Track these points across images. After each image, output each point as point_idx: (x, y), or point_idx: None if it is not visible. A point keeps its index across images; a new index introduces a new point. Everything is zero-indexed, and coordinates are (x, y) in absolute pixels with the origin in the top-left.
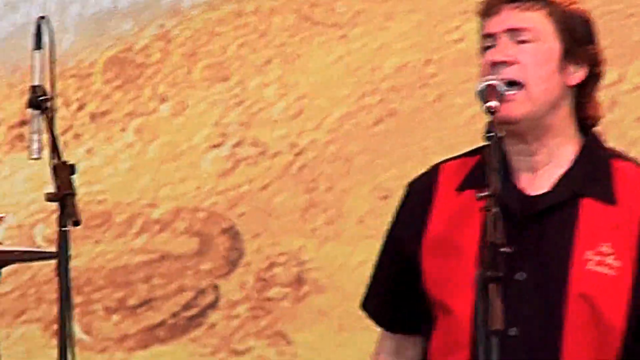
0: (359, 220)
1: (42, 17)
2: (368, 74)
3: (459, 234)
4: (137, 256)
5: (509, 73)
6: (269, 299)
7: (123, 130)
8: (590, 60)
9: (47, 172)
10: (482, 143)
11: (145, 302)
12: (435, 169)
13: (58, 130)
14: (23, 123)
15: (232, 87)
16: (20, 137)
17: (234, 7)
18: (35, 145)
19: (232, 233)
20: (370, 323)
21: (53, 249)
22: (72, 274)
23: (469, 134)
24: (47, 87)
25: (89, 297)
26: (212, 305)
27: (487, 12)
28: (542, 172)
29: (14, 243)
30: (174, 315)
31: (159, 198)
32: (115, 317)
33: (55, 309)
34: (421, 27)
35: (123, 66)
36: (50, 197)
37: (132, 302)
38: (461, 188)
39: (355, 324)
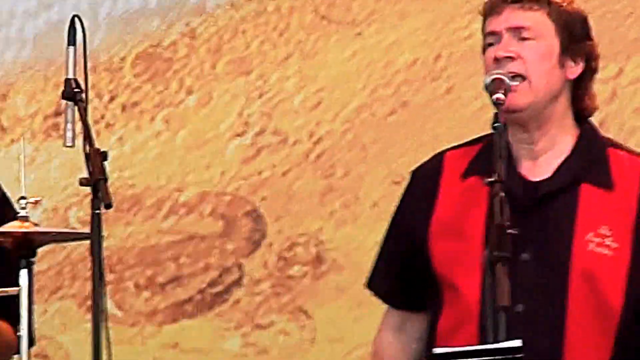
0: (373, 203)
1: (76, 16)
2: (382, 69)
3: (464, 217)
4: (166, 237)
5: (512, 67)
6: (290, 277)
7: (152, 120)
8: (587, 55)
9: (81, 159)
10: (486, 132)
11: (174, 280)
12: (439, 157)
13: (91, 120)
14: (58, 114)
15: (254, 81)
16: (56, 126)
17: (256, 6)
18: (69, 134)
19: (254, 215)
20: None
21: (87, 230)
22: (105, 253)
23: (476, 124)
24: (81, 80)
25: (121, 275)
26: (237, 283)
27: (490, 12)
28: (543, 160)
29: (50, 225)
30: (201, 291)
31: (186, 183)
32: (145, 294)
33: (89, 286)
34: (432, 25)
35: (152, 61)
36: (83, 182)
37: (161, 279)
38: (465, 175)
39: (371, 300)
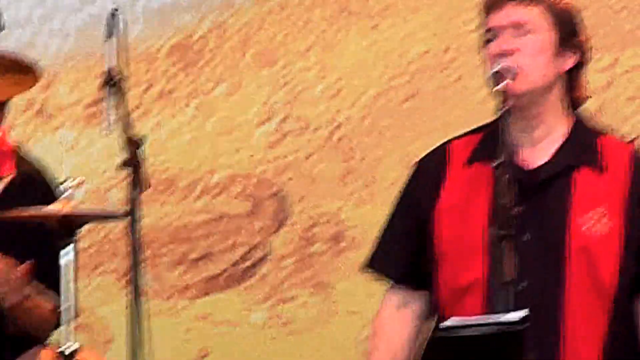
0: (389, 185)
1: (115, 9)
2: (396, 59)
3: (469, 200)
4: (198, 216)
5: (513, 60)
6: (312, 254)
7: (185, 107)
8: (580, 48)
9: (119, 144)
10: (490, 119)
11: (205, 256)
12: (444, 146)
13: (128, 107)
14: (98, 102)
15: (279, 71)
16: (96, 113)
17: (280, 1)
18: (109, 121)
19: (280, 196)
20: None
21: (125, 210)
22: (142, 231)
23: (482, 111)
24: (119, 69)
25: (156, 251)
26: (263, 259)
27: (491, 8)
28: (540, 147)
29: (91, 205)
30: (230, 267)
31: (216, 166)
32: (179, 269)
33: (127, 262)
34: (442, 19)
35: (185, 52)
36: (122, 165)
37: (193, 255)
38: (470, 161)
39: None
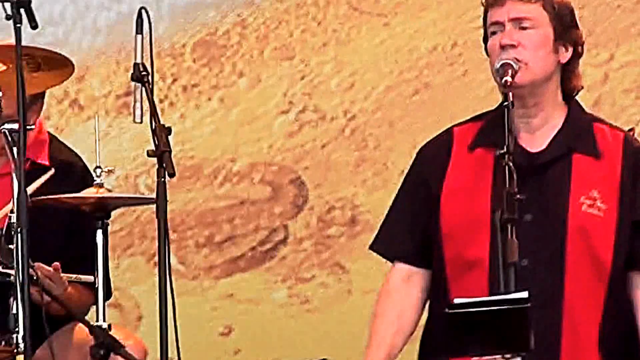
0: (400, 172)
1: (143, 8)
2: (407, 54)
3: (472, 183)
4: (221, 201)
5: (515, 53)
6: (328, 236)
7: (209, 99)
8: (575, 42)
9: (148, 134)
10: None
11: (229, 239)
12: (448, 132)
13: (156, 99)
14: (128, 94)
15: (297, 65)
16: (126, 105)
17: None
18: (138, 112)
19: (298, 183)
20: None
21: (153, 195)
22: (169, 215)
23: (487, 102)
24: (147, 64)
25: (183, 234)
26: (283, 242)
27: (493, 4)
28: (539, 133)
29: (121, 191)
30: (252, 249)
31: (238, 154)
32: (204, 251)
33: (155, 244)
34: (449, 16)
35: (208, 47)
36: (150, 154)
37: (218, 238)
38: (472, 147)
39: None
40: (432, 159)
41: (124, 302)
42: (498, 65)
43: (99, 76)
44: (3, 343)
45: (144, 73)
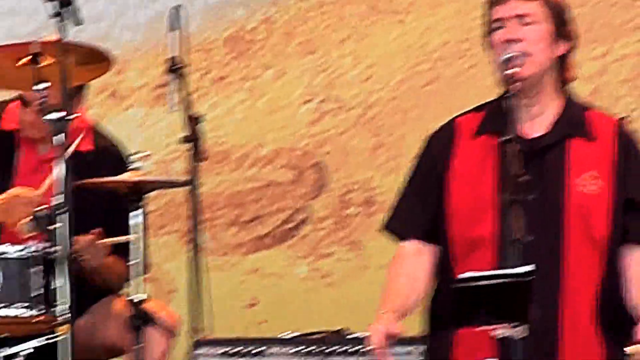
0: (413, 157)
1: (177, 6)
2: (419, 49)
3: (478, 167)
4: (249, 184)
5: (519, 47)
6: (347, 216)
7: (238, 90)
8: (570, 37)
9: (181, 122)
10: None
11: (255, 218)
12: (452, 122)
13: (189, 90)
14: (163, 85)
15: (318, 59)
16: (161, 95)
17: None
18: (172, 102)
19: (319, 167)
20: None
21: (186, 179)
22: (200, 197)
23: (493, 93)
24: (181, 58)
25: (213, 214)
26: (305, 221)
27: (497, 2)
28: (538, 120)
29: (156, 174)
30: (277, 227)
31: (264, 140)
32: (232, 229)
33: (188, 224)
34: (459, 13)
35: (237, 42)
36: (184, 140)
37: (245, 218)
38: (476, 134)
39: None
40: (439, 147)
41: (160, 276)
42: (504, 58)
43: (136, 69)
44: (46, 313)
45: (178, 66)
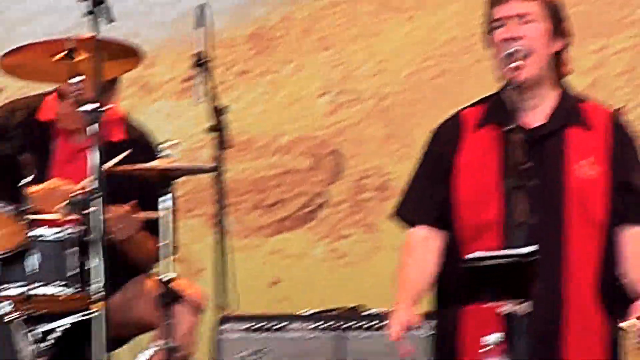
0: (423, 145)
1: (203, 4)
2: (428, 44)
3: (483, 156)
4: (271, 170)
5: (520, 45)
6: (362, 200)
7: (260, 83)
8: (565, 34)
9: (207, 113)
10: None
11: (277, 202)
12: (456, 115)
13: (214, 83)
14: (190, 78)
15: (334, 53)
16: (188, 88)
17: None
18: (199, 94)
19: (336, 154)
20: None
21: (212, 166)
22: (225, 183)
23: (497, 87)
24: (206, 53)
25: (238, 198)
26: (323, 205)
27: (498, 2)
28: (537, 111)
29: (184, 162)
30: (297, 211)
31: (285, 130)
32: (255, 213)
33: (214, 207)
34: (465, 10)
35: (259, 39)
36: (210, 130)
37: (267, 202)
38: (480, 125)
39: None
40: (445, 138)
41: (188, 257)
42: (507, 53)
43: (165, 64)
44: (81, 292)
45: (204, 61)
